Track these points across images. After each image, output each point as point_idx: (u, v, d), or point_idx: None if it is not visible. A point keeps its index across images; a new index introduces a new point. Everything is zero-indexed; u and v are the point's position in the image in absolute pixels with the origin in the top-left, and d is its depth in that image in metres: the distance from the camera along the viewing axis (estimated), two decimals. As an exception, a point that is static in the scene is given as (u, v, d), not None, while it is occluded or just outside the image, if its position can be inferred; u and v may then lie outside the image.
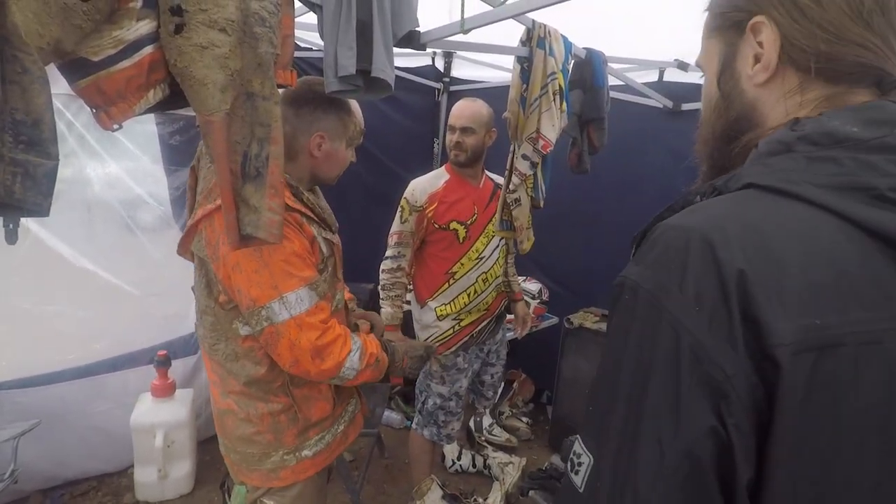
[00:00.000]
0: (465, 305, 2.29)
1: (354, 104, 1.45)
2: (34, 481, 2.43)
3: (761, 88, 0.59)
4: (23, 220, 2.15)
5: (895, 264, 0.46)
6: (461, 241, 2.24)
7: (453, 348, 2.30)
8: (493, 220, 2.24)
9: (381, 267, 2.28)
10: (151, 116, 2.50)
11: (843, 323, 0.44)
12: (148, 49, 0.98)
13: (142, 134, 2.52)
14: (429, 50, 3.51)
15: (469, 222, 2.24)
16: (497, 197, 2.32)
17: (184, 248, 1.32)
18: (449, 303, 2.28)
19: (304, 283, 1.23)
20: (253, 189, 1.08)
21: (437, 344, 2.28)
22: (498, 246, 2.37)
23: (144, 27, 0.98)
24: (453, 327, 2.29)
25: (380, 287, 2.29)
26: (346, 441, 1.53)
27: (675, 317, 0.47)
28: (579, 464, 0.52)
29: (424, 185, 2.25)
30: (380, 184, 3.47)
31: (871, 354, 0.44)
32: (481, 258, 2.30)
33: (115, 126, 1.00)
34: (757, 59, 0.59)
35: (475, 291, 2.30)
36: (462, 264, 2.26)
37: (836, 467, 0.44)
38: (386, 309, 2.27)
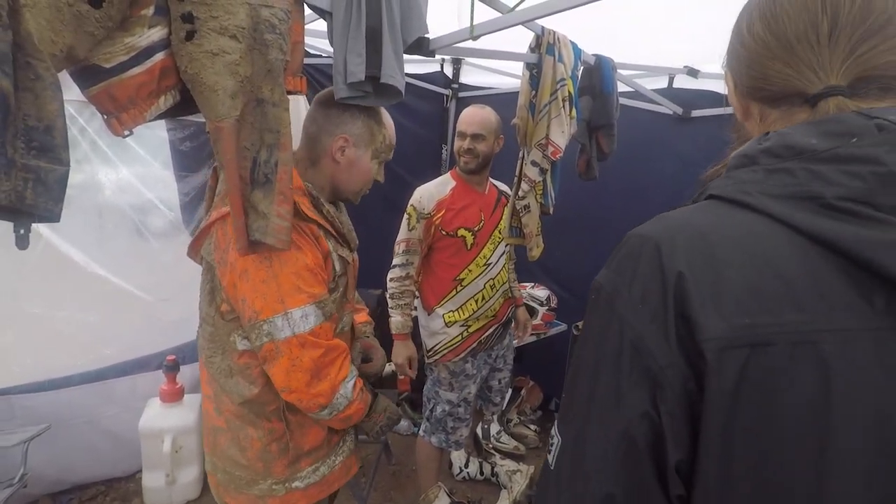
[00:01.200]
0: (474, 312, 2.28)
1: (388, 117, 1.39)
2: (43, 485, 2.44)
3: (748, 123, 0.67)
4: (34, 224, 2.17)
5: (838, 271, 0.48)
6: (469, 247, 2.24)
7: (462, 355, 2.29)
8: (501, 226, 2.23)
9: (389, 276, 2.27)
10: (162, 122, 2.53)
11: (774, 323, 0.47)
12: (159, 56, 0.99)
13: (153, 140, 2.55)
14: (437, 56, 3.52)
15: (476, 229, 2.24)
16: (502, 204, 2.32)
17: (194, 251, 1.30)
18: (457, 309, 2.27)
19: (311, 300, 1.17)
20: (262, 195, 1.09)
21: (446, 350, 2.28)
22: (504, 252, 2.37)
23: (156, 34, 0.98)
24: (461, 334, 2.28)
25: (388, 296, 2.28)
26: (348, 474, 1.43)
27: (623, 315, 0.52)
28: (552, 444, 0.59)
29: (432, 192, 2.24)
30: (388, 190, 3.42)
31: (804, 354, 0.46)
32: (489, 264, 2.29)
33: (126, 132, 1.01)
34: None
35: (483, 298, 2.29)
36: (470, 271, 2.26)
37: (769, 460, 0.46)
38: (396, 318, 2.26)
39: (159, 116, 1.05)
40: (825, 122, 0.54)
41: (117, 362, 2.59)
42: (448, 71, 3.72)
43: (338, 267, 1.29)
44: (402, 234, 2.26)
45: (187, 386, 2.65)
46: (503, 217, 2.23)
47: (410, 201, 2.26)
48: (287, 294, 1.14)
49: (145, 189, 2.54)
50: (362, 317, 1.76)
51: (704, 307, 0.48)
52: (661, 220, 0.57)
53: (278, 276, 1.14)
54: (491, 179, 2.38)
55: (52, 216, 0.86)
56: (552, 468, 0.57)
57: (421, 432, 2.43)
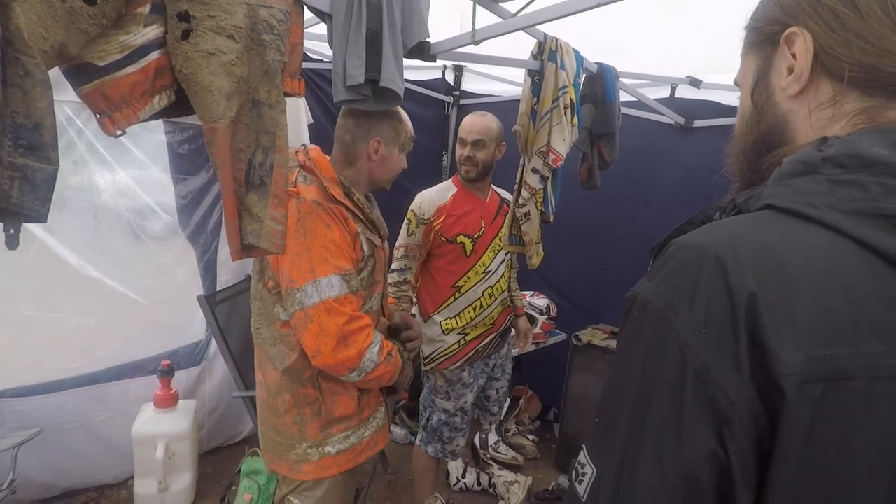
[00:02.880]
0: (471, 320, 2.25)
1: (404, 113, 1.57)
2: (33, 491, 2.40)
3: (794, 100, 0.58)
4: (29, 225, 2.16)
5: None
6: (468, 254, 2.22)
7: (458, 363, 2.26)
8: (501, 234, 2.21)
9: (388, 279, 2.24)
10: (160, 125, 2.51)
11: (855, 355, 0.42)
12: (154, 55, 0.97)
13: (151, 142, 2.52)
14: (439, 63, 3.52)
15: (476, 236, 2.22)
16: (503, 212, 2.30)
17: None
18: (454, 317, 2.24)
19: (337, 271, 1.32)
20: (256, 198, 1.07)
21: (443, 358, 2.25)
22: (504, 260, 2.34)
23: (151, 32, 0.97)
24: (459, 342, 2.25)
25: None
26: (375, 447, 1.58)
27: (683, 336, 0.46)
28: (583, 474, 0.53)
29: (432, 198, 2.23)
30: (388, 195, 3.43)
31: (885, 390, 0.42)
32: (488, 272, 2.27)
33: (119, 132, 0.99)
34: (790, 71, 0.58)
35: (481, 306, 2.26)
36: (468, 278, 2.23)
37: (839, 502, 0.42)
38: None
39: (153, 116, 1.03)
40: (893, 131, 0.49)
41: (111, 366, 2.56)
42: (450, 78, 3.72)
43: (366, 248, 1.46)
44: (402, 238, 2.24)
45: (182, 391, 2.62)
46: (504, 225, 2.21)
47: (411, 206, 2.24)
48: (317, 264, 1.30)
49: (142, 192, 2.51)
50: (389, 300, 1.90)
51: (780, 334, 0.43)
52: (713, 229, 0.52)
53: (310, 249, 1.31)
54: (494, 187, 2.36)
55: (39, 216, 0.83)
56: (584, 501, 0.51)
57: (417, 441, 2.40)
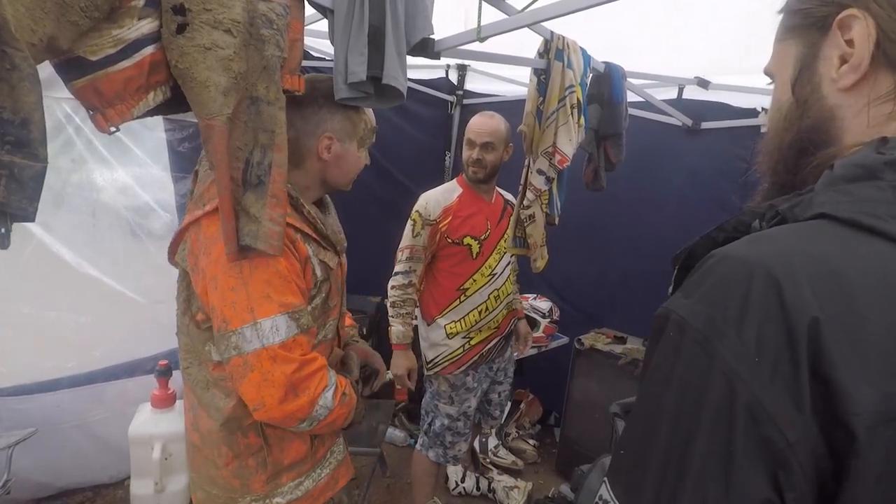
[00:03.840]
0: (476, 323, 2.22)
1: None
2: (28, 490, 2.38)
3: (846, 94, 0.52)
4: (26, 223, 2.08)
5: None
6: (474, 256, 2.18)
7: (463, 367, 2.22)
8: (506, 236, 2.17)
9: (391, 283, 2.20)
10: (160, 122, 2.48)
11: None
12: (149, 49, 0.94)
13: (151, 140, 2.49)
14: (443, 62, 3.48)
15: (483, 238, 2.18)
16: (508, 213, 2.26)
17: (171, 256, 1.24)
18: (459, 320, 2.20)
19: (283, 310, 1.09)
20: (254, 198, 1.03)
21: (446, 363, 2.21)
22: (509, 262, 2.31)
23: (146, 26, 0.93)
24: (463, 346, 2.21)
25: (389, 304, 2.21)
26: (336, 486, 1.36)
27: (731, 365, 0.40)
28: None
29: (438, 198, 2.18)
30: (390, 196, 3.43)
31: None
32: (494, 274, 2.23)
33: (112, 129, 0.95)
34: (843, 60, 0.51)
35: (486, 309, 2.23)
36: (475, 280, 2.20)
37: None
38: (396, 327, 2.17)
39: (148, 113, 1.00)
40: None
41: (108, 365, 2.53)
42: (453, 77, 3.69)
43: (318, 272, 1.22)
44: (406, 240, 2.18)
45: (179, 391, 2.59)
46: (508, 226, 2.17)
47: (415, 207, 2.19)
48: (256, 303, 1.06)
49: (141, 190, 2.49)
50: (347, 320, 1.66)
51: (849, 367, 0.37)
52: (761, 241, 0.45)
53: (248, 283, 1.06)
54: (497, 189, 2.32)
55: (27, 215, 0.80)
56: None
57: (418, 446, 2.37)
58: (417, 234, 2.15)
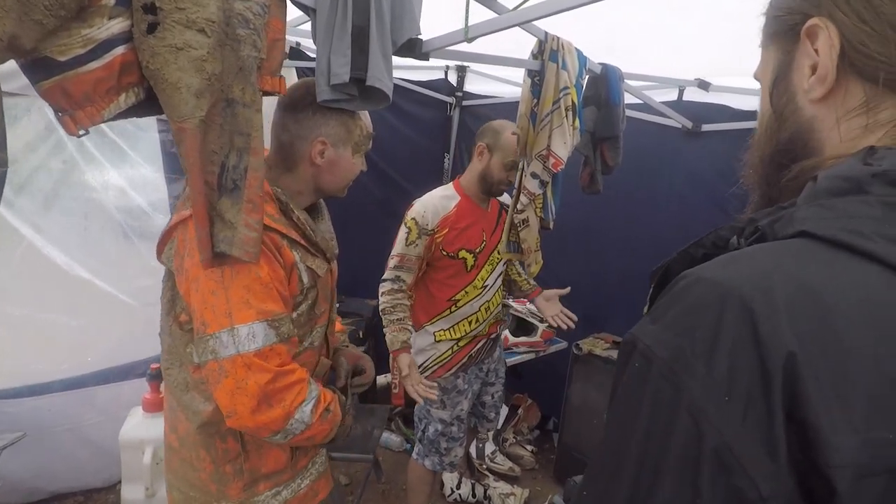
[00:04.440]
0: (466, 333, 2.19)
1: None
2: (19, 494, 2.37)
3: (819, 105, 0.49)
4: (17, 224, 2.08)
5: None
6: (468, 269, 2.14)
7: (453, 370, 2.19)
8: (500, 245, 2.12)
9: (380, 290, 2.12)
10: (154, 123, 2.46)
11: None
12: (119, 49, 0.91)
13: (144, 141, 2.48)
14: (441, 63, 3.45)
15: (478, 250, 2.13)
16: (503, 221, 2.20)
17: (158, 255, 1.23)
18: (449, 328, 2.17)
19: (261, 318, 1.07)
20: (229, 203, 1.00)
21: (436, 366, 2.17)
22: (501, 273, 2.27)
23: (116, 26, 0.90)
24: (451, 348, 2.18)
25: (380, 311, 2.12)
26: (315, 497, 1.33)
27: (698, 404, 0.36)
28: None
29: (436, 207, 2.08)
30: (388, 198, 3.40)
31: None
32: (486, 286, 2.20)
33: (82, 132, 0.93)
34: (814, 70, 0.48)
35: (477, 320, 2.20)
36: (466, 292, 2.16)
37: None
38: (390, 334, 2.07)
39: (120, 115, 0.97)
40: None
41: (100, 369, 2.51)
42: (452, 78, 3.65)
43: (305, 279, 1.20)
44: (399, 247, 2.08)
45: (172, 395, 2.57)
46: (503, 232, 2.12)
47: (411, 213, 2.08)
48: (235, 307, 1.05)
49: (134, 192, 2.47)
50: (337, 326, 1.63)
51: (828, 409, 0.33)
52: (734, 262, 0.41)
53: (228, 288, 1.05)
54: None
55: (-14, 222, 0.78)
56: None
57: (414, 455, 2.33)
58: (412, 243, 2.05)
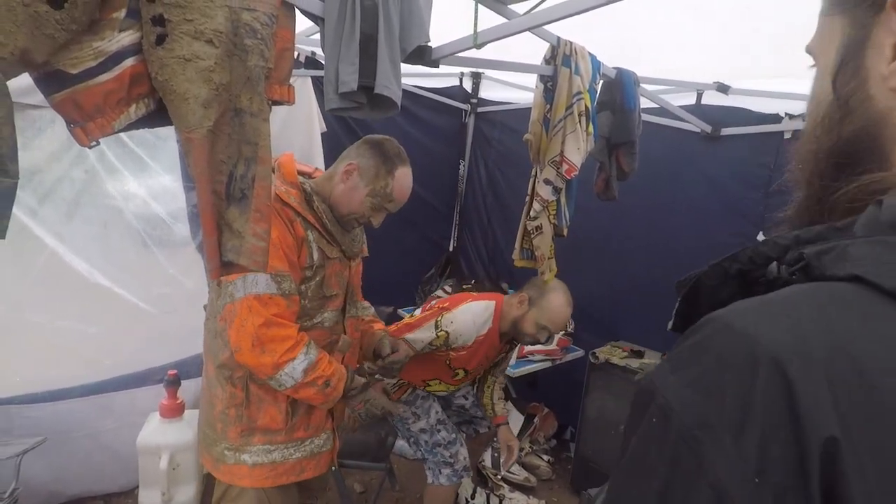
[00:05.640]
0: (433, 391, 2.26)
1: (405, 177, 1.47)
2: (38, 499, 2.39)
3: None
4: (41, 234, 2.13)
5: None
6: (452, 376, 2.17)
7: (408, 392, 2.21)
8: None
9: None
10: (173, 133, 2.49)
11: None
12: (129, 61, 0.92)
13: (163, 151, 2.52)
14: (456, 70, 3.44)
15: (472, 370, 2.18)
16: (501, 355, 2.31)
17: None
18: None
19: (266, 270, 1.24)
20: (237, 212, 1.01)
21: (393, 391, 2.14)
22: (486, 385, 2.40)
23: (127, 38, 0.92)
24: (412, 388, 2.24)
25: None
26: (301, 474, 1.48)
27: (722, 481, 0.30)
28: None
29: (471, 332, 2.01)
30: (404, 207, 3.39)
31: None
32: (460, 387, 2.30)
33: (93, 143, 0.94)
34: None
35: (446, 391, 2.27)
36: (439, 382, 2.21)
37: None
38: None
39: (131, 126, 0.98)
40: None
41: (118, 375, 2.54)
42: (467, 85, 3.65)
43: (315, 256, 1.39)
44: (415, 337, 1.97)
45: (188, 402, 2.59)
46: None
47: (446, 325, 1.97)
48: None
49: (153, 201, 2.51)
50: (377, 325, 1.87)
51: None
52: (773, 310, 0.34)
53: None
54: None
55: (-3, 232, 0.79)
56: None
57: (428, 480, 2.26)
58: (429, 346, 2.00)
